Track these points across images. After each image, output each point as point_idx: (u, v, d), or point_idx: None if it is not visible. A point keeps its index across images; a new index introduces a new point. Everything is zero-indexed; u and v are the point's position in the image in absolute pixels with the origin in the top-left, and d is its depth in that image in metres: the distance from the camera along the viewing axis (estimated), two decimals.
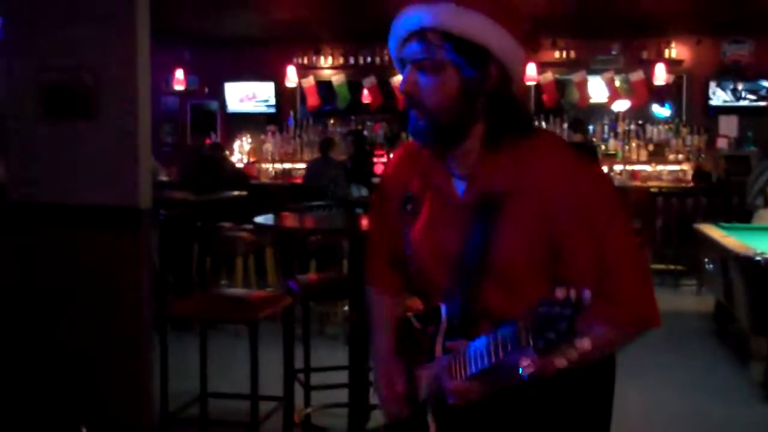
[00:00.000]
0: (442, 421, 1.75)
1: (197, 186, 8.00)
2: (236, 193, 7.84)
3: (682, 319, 7.25)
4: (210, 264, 7.11)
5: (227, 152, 11.05)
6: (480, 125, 1.72)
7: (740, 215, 8.16)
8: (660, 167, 10.61)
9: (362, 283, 2.14)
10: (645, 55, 10.86)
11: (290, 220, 4.49)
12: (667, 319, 6.42)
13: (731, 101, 10.76)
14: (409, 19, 1.69)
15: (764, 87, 10.66)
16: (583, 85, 10.93)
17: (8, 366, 4.17)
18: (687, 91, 10.94)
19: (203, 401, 4.13)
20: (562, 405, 1.75)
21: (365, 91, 11.42)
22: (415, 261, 1.84)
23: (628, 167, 10.69)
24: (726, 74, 10.74)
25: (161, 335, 3.89)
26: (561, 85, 11.12)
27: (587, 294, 1.29)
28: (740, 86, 10.72)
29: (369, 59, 11.43)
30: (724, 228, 6.29)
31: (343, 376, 4.22)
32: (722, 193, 9.10)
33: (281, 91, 11.81)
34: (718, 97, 10.80)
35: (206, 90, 12.16)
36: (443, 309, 1.74)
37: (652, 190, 9.16)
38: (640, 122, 10.95)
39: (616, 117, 11.03)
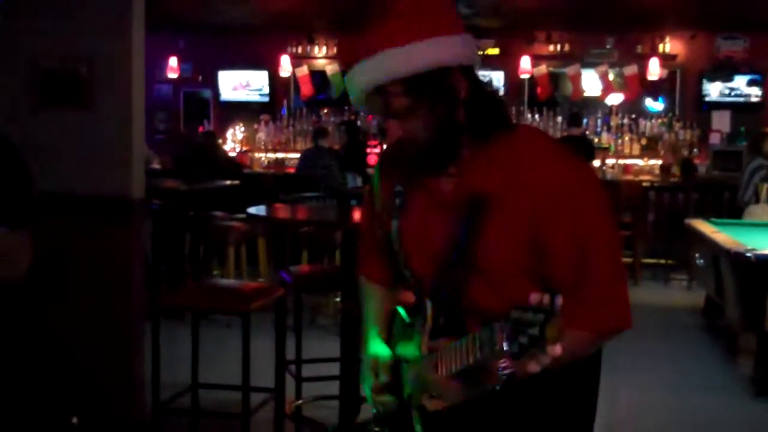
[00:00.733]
0: (425, 417, 1.76)
1: (190, 174, 7.98)
2: (229, 182, 7.82)
3: (672, 314, 7.29)
4: (202, 254, 7.11)
5: (220, 141, 11.04)
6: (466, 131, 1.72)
7: (731, 211, 8.19)
8: (652, 162, 10.63)
9: (354, 275, 2.15)
10: (639, 49, 10.88)
11: (283, 212, 4.49)
12: (658, 314, 6.43)
13: (724, 97, 10.79)
14: (359, 82, 1.68)
15: (757, 83, 10.69)
16: (576, 79, 10.93)
17: None
18: (680, 86, 10.97)
19: (194, 392, 4.13)
20: (545, 400, 1.76)
21: None
22: (403, 254, 1.85)
23: (621, 161, 10.72)
24: (719, 70, 10.77)
25: (153, 325, 3.88)
26: (555, 79, 11.12)
27: (559, 300, 1.30)
28: (733, 82, 10.75)
29: None
30: (715, 223, 6.31)
31: (334, 368, 4.23)
32: (713, 187, 9.13)
33: (275, 80, 11.79)
34: (712, 92, 10.83)
35: (200, 78, 12.11)
36: (428, 305, 1.75)
37: (644, 184, 9.19)
38: (633, 116, 10.98)
39: (609, 111, 11.05)
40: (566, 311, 1.31)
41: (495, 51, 10.93)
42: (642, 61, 10.71)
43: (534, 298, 1.31)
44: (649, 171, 10.54)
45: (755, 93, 10.74)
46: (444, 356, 1.59)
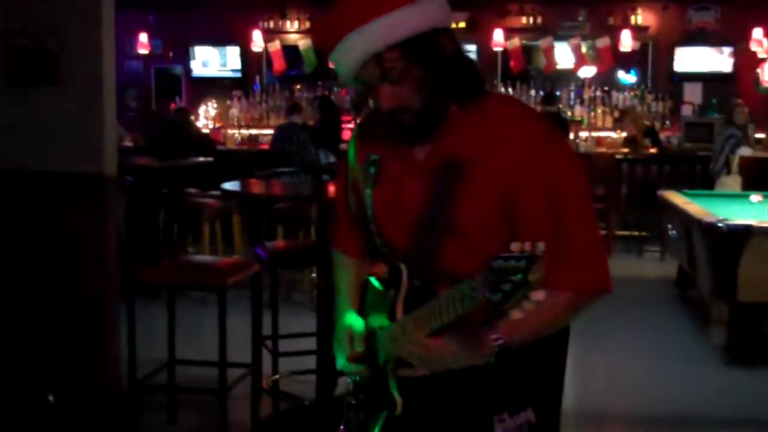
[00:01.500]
0: (403, 386, 1.76)
1: (162, 151, 7.92)
2: (202, 159, 7.77)
3: (645, 285, 7.36)
4: (176, 231, 7.06)
5: (193, 117, 10.95)
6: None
7: (704, 182, 8.26)
8: (625, 134, 10.67)
9: (329, 249, 2.15)
10: (611, 21, 10.90)
11: (257, 187, 4.47)
12: (631, 285, 6.50)
13: (696, 68, 10.83)
14: (353, 55, 1.67)
15: (729, 54, 10.73)
16: (549, 51, 10.94)
17: None
18: (652, 58, 11.00)
19: (171, 368, 4.13)
20: (515, 369, 1.75)
21: None
22: (376, 223, 1.86)
23: (594, 134, 10.75)
24: (691, 41, 10.80)
25: (128, 303, 3.87)
26: (528, 52, 11.12)
27: (541, 246, 1.30)
28: (705, 53, 10.79)
29: None
30: (687, 195, 6.36)
31: (311, 343, 4.23)
32: (685, 159, 9.18)
33: (247, 56, 11.70)
34: (683, 63, 10.86)
35: (171, 54, 11.99)
36: (403, 268, 1.76)
37: (617, 156, 9.23)
38: (605, 89, 11.01)
39: (582, 83, 11.08)
40: (549, 270, 1.31)
41: (462, 24, 10.80)
42: (614, 33, 10.74)
43: (515, 246, 1.32)
44: (622, 143, 10.59)
45: (727, 63, 10.78)
46: (421, 316, 1.60)
